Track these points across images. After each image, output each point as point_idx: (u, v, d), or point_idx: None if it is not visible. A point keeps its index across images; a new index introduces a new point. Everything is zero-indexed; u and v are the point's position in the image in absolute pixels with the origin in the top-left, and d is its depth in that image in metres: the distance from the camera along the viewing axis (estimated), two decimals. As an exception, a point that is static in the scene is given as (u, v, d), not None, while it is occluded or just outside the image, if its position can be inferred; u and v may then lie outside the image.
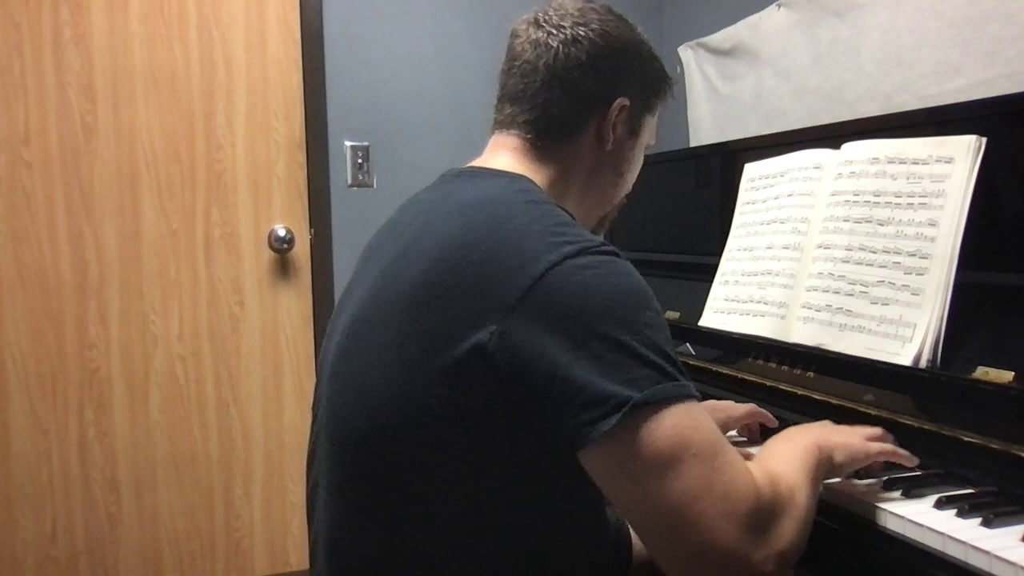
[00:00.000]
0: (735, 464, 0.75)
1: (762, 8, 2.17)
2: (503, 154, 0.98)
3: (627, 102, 0.98)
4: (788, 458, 0.86)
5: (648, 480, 0.72)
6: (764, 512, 0.75)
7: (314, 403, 1.01)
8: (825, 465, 0.89)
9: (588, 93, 0.96)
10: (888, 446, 0.96)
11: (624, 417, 0.72)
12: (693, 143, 2.46)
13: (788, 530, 0.76)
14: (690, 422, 0.74)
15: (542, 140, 0.97)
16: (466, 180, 0.95)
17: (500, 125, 1.00)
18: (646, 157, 1.10)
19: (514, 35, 1.00)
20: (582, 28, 0.95)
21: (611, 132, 0.98)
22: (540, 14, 0.98)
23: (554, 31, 0.96)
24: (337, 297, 2.67)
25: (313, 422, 0.99)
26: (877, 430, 1.00)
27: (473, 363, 0.77)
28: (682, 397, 0.75)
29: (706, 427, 0.76)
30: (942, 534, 0.82)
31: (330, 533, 0.91)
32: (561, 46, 0.95)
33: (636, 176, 1.08)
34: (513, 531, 0.84)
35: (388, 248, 0.93)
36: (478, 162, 0.99)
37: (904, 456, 0.96)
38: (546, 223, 0.82)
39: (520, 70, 0.97)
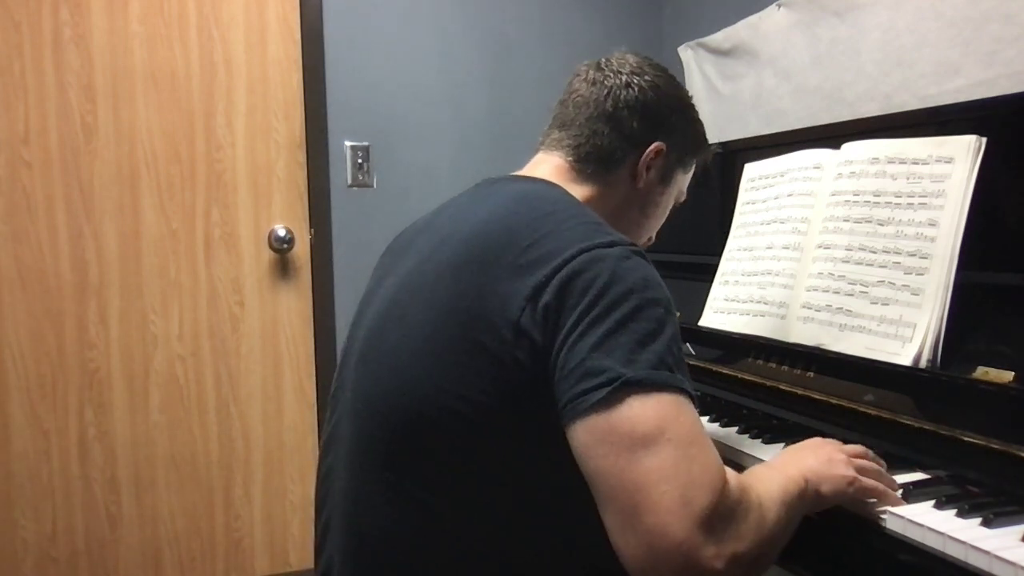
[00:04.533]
0: (708, 458, 0.75)
1: (762, 8, 2.17)
2: (543, 168, 1.06)
3: (663, 147, 1.07)
4: (767, 478, 0.85)
5: (619, 454, 0.74)
6: (724, 511, 0.74)
7: (333, 392, 1.03)
8: (811, 497, 0.87)
9: (631, 132, 1.06)
10: (880, 486, 0.92)
11: (613, 391, 0.75)
12: (693, 143, 2.46)
13: (747, 537, 0.75)
14: (674, 411, 0.76)
15: (581, 164, 1.05)
16: (506, 183, 1.02)
17: (545, 146, 1.09)
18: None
19: (575, 74, 1.11)
20: (636, 77, 1.07)
21: (644, 172, 1.07)
22: (603, 60, 1.10)
23: (611, 75, 1.07)
24: (337, 296, 2.66)
25: (333, 410, 1.02)
26: (860, 448, 0.97)
27: (508, 338, 0.81)
28: (673, 388, 0.77)
29: (689, 420, 0.77)
30: (942, 534, 0.82)
31: (349, 514, 0.93)
32: (616, 87, 1.06)
33: (660, 224, 1.17)
34: (533, 507, 0.87)
35: (424, 241, 0.98)
36: (517, 173, 1.07)
37: (893, 498, 0.91)
38: (583, 219, 0.89)
39: (574, 101, 1.08)
